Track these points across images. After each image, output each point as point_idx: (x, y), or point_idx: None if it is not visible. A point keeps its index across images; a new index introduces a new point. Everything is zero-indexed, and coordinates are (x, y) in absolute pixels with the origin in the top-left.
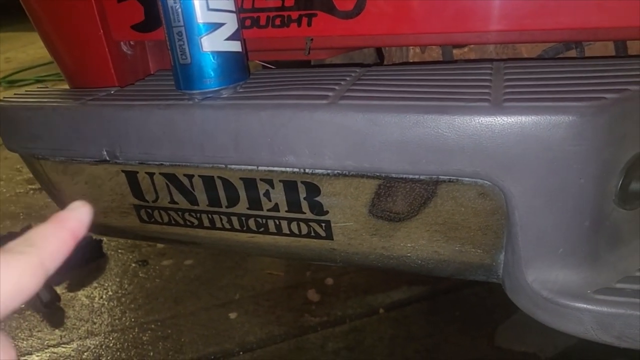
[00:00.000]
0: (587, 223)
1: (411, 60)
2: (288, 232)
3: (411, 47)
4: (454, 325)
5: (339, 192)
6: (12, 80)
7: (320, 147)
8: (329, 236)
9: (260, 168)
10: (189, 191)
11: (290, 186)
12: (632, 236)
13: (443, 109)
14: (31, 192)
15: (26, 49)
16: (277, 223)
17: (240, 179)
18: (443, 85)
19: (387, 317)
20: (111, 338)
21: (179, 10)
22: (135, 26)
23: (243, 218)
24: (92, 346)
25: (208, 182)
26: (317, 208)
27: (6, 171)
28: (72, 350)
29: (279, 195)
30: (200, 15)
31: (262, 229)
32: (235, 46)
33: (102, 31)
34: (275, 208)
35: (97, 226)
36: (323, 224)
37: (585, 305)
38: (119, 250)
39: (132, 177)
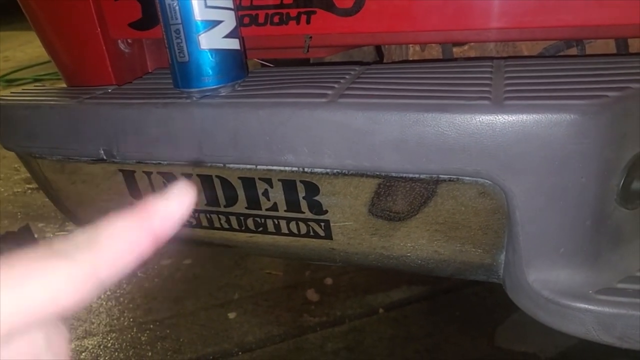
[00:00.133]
0: (589, 222)
1: (411, 59)
2: (287, 232)
3: (411, 45)
4: (454, 325)
5: (338, 192)
6: (10, 79)
7: (320, 146)
8: (328, 236)
9: (259, 167)
10: None
11: (289, 185)
12: (633, 236)
13: (443, 107)
14: (29, 191)
15: (24, 48)
16: (276, 222)
17: (239, 178)
18: (443, 83)
19: (387, 317)
20: (109, 338)
21: (177, 7)
22: (132, 24)
23: (242, 217)
24: (90, 346)
25: (206, 181)
26: (316, 207)
27: (4, 170)
28: (70, 351)
29: (277, 194)
30: (198, 12)
31: (261, 229)
32: (234, 44)
33: (99, 29)
34: (274, 207)
35: None
36: (322, 224)
37: (586, 306)
38: None
39: (129, 176)
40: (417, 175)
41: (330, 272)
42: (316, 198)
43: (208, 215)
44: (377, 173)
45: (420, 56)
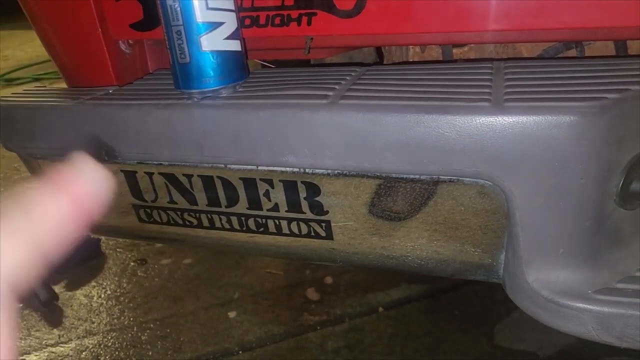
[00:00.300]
0: (588, 223)
1: (411, 60)
2: (288, 232)
3: (411, 47)
4: (454, 323)
5: (339, 192)
6: (9, 78)
7: (321, 147)
8: (329, 236)
9: (260, 168)
10: (188, 191)
11: (290, 186)
12: (632, 236)
13: (444, 108)
14: None
15: (24, 47)
16: (277, 223)
17: (240, 178)
18: (444, 84)
19: (387, 315)
20: (110, 337)
21: (178, 9)
22: (133, 25)
23: (243, 218)
24: (91, 345)
25: (207, 182)
26: (317, 208)
27: (4, 170)
28: (71, 350)
29: (278, 195)
30: (200, 14)
31: (261, 229)
32: (235, 45)
33: (100, 30)
34: (275, 208)
35: (96, 226)
36: (323, 224)
37: (585, 306)
38: (118, 249)
39: (130, 176)
40: (417, 176)
41: (330, 271)
42: (317, 199)
43: (209, 215)
44: (378, 174)
45: (420, 57)
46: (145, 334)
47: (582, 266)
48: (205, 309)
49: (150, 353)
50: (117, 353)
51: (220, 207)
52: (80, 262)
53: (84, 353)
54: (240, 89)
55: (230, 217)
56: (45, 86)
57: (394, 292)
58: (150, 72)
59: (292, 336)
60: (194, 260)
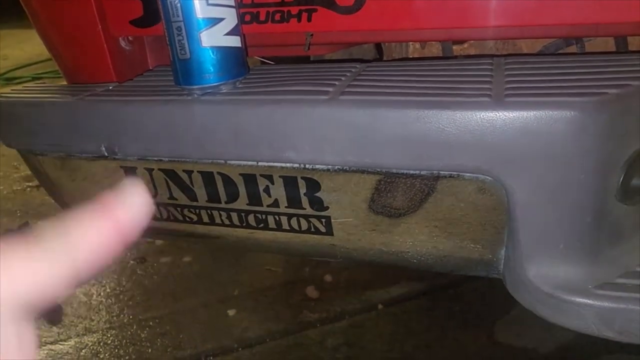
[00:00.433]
0: (589, 219)
1: (411, 57)
2: (288, 228)
3: (411, 43)
4: (453, 320)
5: (339, 188)
6: (8, 77)
7: (321, 143)
8: (329, 232)
9: (260, 164)
10: (188, 187)
11: (290, 182)
12: (633, 232)
13: (444, 104)
14: (28, 189)
15: (23, 46)
16: (277, 219)
17: (240, 174)
18: (444, 80)
19: (386, 312)
20: (109, 335)
21: (178, 5)
22: (133, 21)
23: (243, 214)
24: (90, 343)
25: (207, 177)
26: (317, 204)
27: (3, 168)
28: (70, 348)
29: (278, 190)
30: (200, 10)
31: (261, 225)
32: (235, 41)
33: (100, 26)
34: (275, 204)
35: None
36: (323, 220)
37: (586, 300)
38: None
39: (130, 173)
40: (417, 172)
41: (329, 268)
42: (317, 194)
43: (209, 211)
44: (378, 170)
45: (420, 54)
46: (145, 332)
47: (582, 261)
48: (204, 306)
49: (149, 350)
50: (116, 350)
51: (220, 203)
52: None
53: (83, 351)
54: (240, 85)
55: (230, 213)
56: (44, 82)
57: (393, 289)
58: (150, 68)
59: (292, 333)
60: (193, 258)
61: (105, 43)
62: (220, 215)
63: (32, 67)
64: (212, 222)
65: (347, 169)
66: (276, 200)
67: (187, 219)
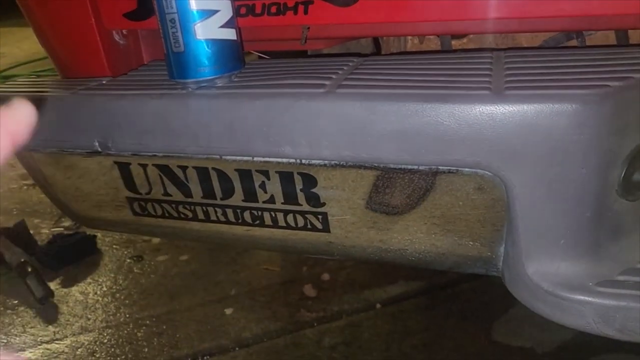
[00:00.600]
0: (589, 214)
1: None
2: (284, 225)
3: (409, 38)
4: (451, 320)
5: (336, 184)
6: (6, 75)
7: (318, 137)
8: (326, 229)
9: (255, 159)
10: (183, 183)
11: (286, 177)
12: (634, 227)
13: (443, 97)
14: (24, 187)
15: (20, 45)
16: (273, 215)
17: (236, 170)
18: (443, 73)
19: (384, 312)
20: (105, 334)
21: None
22: (127, 14)
23: (238, 210)
24: (86, 342)
25: (202, 173)
26: (314, 200)
27: None
28: (66, 347)
29: (275, 186)
30: (194, 1)
31: (258, 222)
32: (230, 34)
33: (93, 19)
34: (271, 200)
35: (91, 220)
36: (320, 216)
37: (586, 298)
38: (114, 246)
39: (124, 168)
40: (415, 167)
41: (327, 267)
42: (314, 190)
43: (204, 208)
44: (375, 165)
45: (419, 49)
46: (141, 331)
47: (582, 258)
48: (201, 305)
49: (146, 350)
50: (112, 350)
51: (216, 199)
52: (76, 259)
53: (79, 350)
54: (235, 79)
55: (226, 209)
56: (38, 75)
57: (391, 288)
58: (145, 63)
59: (289, 332)
60: (190, 257)
61: (98, 36)
62: (216, 211)
63: (30, 66)
64: (207, 219)
65: (344, 165)
66: (272, 196)
67: (182, 215)
